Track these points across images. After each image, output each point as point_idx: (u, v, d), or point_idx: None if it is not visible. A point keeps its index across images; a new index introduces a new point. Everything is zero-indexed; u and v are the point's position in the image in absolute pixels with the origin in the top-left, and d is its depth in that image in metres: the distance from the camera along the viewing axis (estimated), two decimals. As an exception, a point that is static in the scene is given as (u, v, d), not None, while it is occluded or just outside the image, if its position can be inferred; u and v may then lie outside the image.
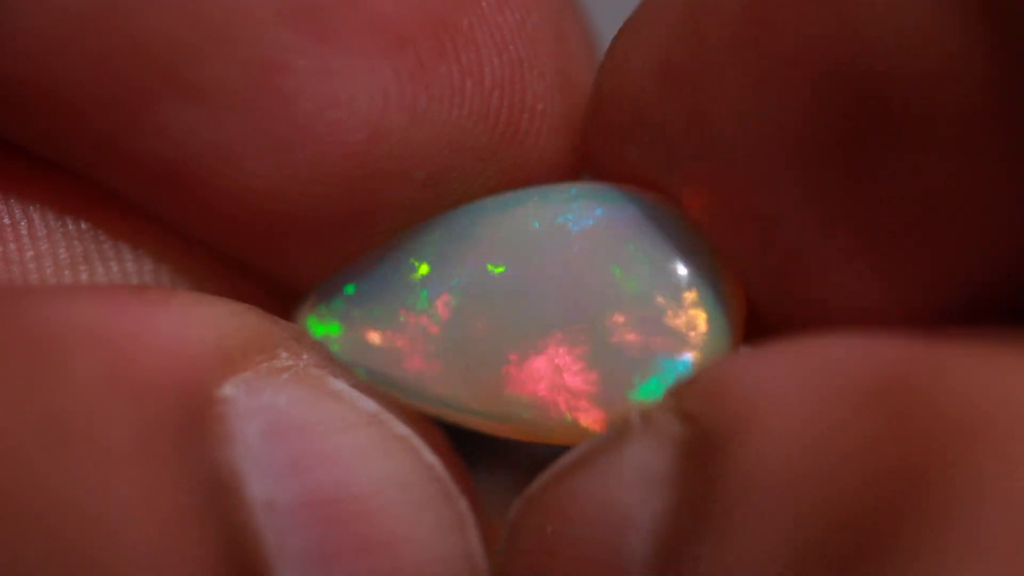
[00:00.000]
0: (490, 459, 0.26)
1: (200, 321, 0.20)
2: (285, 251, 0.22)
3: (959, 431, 0.17)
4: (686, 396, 0.20)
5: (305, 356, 0.20)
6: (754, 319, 0.22)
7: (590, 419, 0.21)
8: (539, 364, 0.21)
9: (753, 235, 0.20)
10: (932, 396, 0.17)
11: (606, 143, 0.23)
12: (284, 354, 0.20)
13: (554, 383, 0.21)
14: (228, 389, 0.19)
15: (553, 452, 0.21)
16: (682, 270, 0.21)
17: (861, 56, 0.18)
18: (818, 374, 0.18)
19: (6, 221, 0.22)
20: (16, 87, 0.20)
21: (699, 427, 0.19)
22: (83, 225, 0.22)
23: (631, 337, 0.21)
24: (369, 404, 0.20)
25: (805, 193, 0.19)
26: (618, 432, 0.20)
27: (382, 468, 0.20)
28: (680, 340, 0.21)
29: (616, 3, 0.24)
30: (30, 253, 0.22)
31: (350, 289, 0.23)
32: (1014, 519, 0.16)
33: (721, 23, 0.20)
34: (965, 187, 0.18)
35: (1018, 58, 0.17)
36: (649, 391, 0.21)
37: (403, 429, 0.20)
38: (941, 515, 0.16)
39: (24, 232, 0.22)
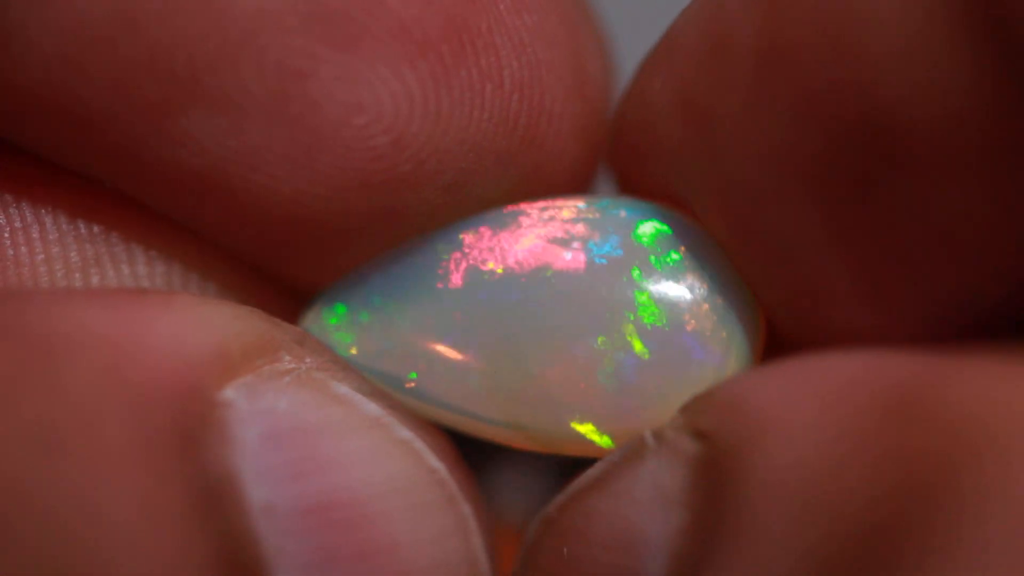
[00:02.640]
0: (497, 462, 0.26)
1: (201, 324, 0.20)
2: (305, 255, 0.22)
3: (965, 439, 0.17)
4: (699, 413, 0.20)
5: (308, 360, 0.20)
6: (771, 338, 0.22)
7: (608, 432, 0.21)
8: (559, 375, 0.21)
9: (767, 258, 0.20)
10: (940, 410, 0.17)
11: (628, 163, 0.23)
12: (286, 357, 0.20)
13: (573, 394, 0.21)
14: (228, 393, 0.19)
15: (564, 460, 0.21)
16: (704, 285, 0.21)
17: (875, 100, 0.18)
18: (829, 390, 0.18)
19: (18, 224, 0.22)
20: (37, 100, 0.20)
21: (712, 444, 0.19)
22: (95, 228, 0.22)
23: (651, 351, 0.21)
24: (372, 408, 0.20)
25: (817, 219, 0.19)
26: (632, 451, 0.20)
27: (383, 472, 0.20)
28: (701, 355, 0.21)
29: (629, 4, 0.24)
30: (41, 256, 0.22)
31: (363, 291, 0.22)
32: (1018, 530, 0.16)
33: (739, 61, 0.20)
34: (972, 216, 0.18)
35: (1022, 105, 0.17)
36: (666, 406, 0.21)
37: (406, 433, 0.20)
38: (947, 529, 0.16)
39: (36, 235, 0.22)
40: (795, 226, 0.20)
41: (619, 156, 0.23)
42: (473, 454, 0.22)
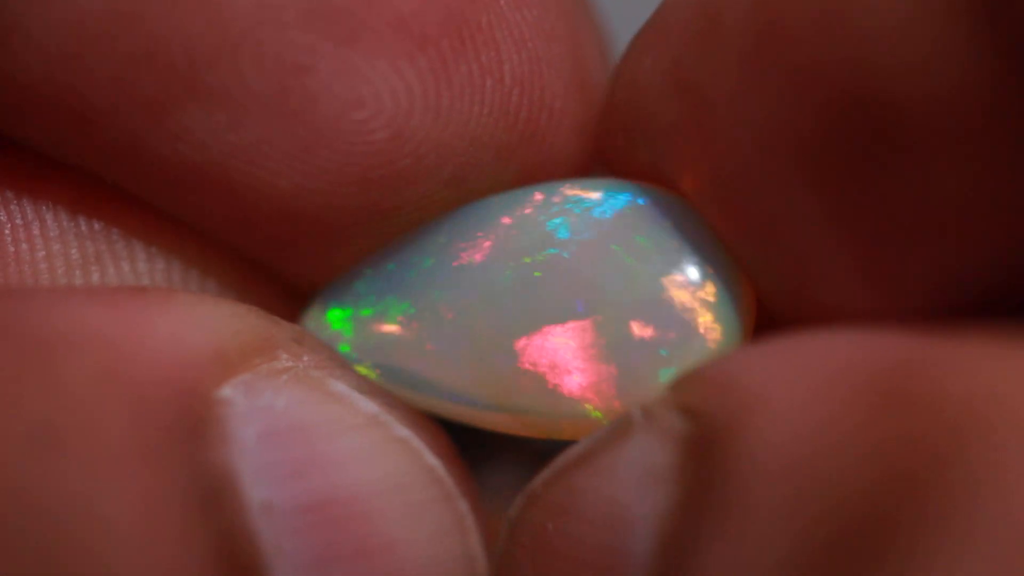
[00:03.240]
0: (495, 458, 0.26)
1: (199, 322, 0.20)
2: (306, 250, 0.22)
3: (955, 427, 0.17)
4: (687, 390, 0.20)
5: (306, 358, 0.20)
6: (763, 317, 0.21)
7: (599, 412, 0.21)
8: (551, 356, 0.21)
9: (759, 236, 0.20)
10: (933, 397, 0.17)
11: (619, 143, 0.23)
12: (284, 356, 0.20)
13: (565, 375, 0.21)
14: (226, 391, 0.19)
15: (558, 449, 0.21)
16: (694, 264, 0.21)
17: (869, 78, 0.18)
18: (821, 370, 0.18)
19: (18, 221, 0.22)
20: (37, 95, 0.20)
21: (700, 421, 0.19)
22: (96, 225, 0.22)
23: (641, 329, 0.21)
24: (369, 406, 0.20)
25: (811, 198, 0.19)
26: (619, 428, 0.20)
27: (381, 470, 0.20)
28: (691, 333, 0.21)
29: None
30: (42, 253, 0.22)
31: (361, 286, 0.23)
32: (1004, 525, 0.16)
33: (732, 37, 0.20)
34: (967, 195, 0.18)
35: (1019, 83, 0.17)
36: (657, 384, 0.21)
37: (403, 431, 0.20)
38: (935, 521, 0.16)
39: (36, 232, 0.22)
40: (788, 205, 0.20)
41: (609, 136, 0.23)
42: (470, 451, 0.22)
